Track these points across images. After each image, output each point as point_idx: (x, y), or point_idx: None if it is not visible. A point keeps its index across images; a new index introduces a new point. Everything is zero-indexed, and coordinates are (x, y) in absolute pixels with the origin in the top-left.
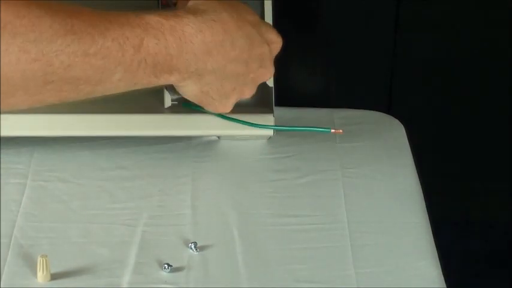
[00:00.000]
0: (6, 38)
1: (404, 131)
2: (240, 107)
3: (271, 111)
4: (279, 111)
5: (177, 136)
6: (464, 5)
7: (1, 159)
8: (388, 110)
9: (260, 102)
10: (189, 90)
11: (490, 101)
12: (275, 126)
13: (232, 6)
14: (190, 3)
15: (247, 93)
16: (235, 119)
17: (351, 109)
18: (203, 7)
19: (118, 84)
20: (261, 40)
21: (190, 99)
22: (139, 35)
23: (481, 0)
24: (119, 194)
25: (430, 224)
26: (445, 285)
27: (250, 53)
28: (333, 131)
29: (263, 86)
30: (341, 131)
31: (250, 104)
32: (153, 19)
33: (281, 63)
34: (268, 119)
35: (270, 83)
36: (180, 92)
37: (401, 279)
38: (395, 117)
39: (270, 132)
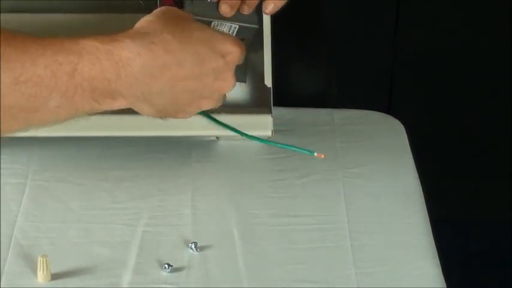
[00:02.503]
0: None
1: (404, 131)
2: (238, 108)
3: (269, 111)
4: (279, 111)
5: (176, 136)
6: (464, 6)
7: (1, 160)
8: (388, 110)
9: (259, 102)
10: (145, 111)
11: (490, 101)
12: (264, 140)
13: (177, 26)
14: (135, 26)
15: (207, 105)
16: (228, 126)
17: (351, 109)
18: (144, 30)
19: (57, 111)
20: (212, 54)
21: (151, 116)
22: (73, 61)
23: (479, 1)
24: (119, 194)
25: (430, 223)
26: (445, 285)
27: (202, 68)
28: (315, 154)
29: (261, 87)
30: (323, 155)
31: (249, 105)
32: (89, 44)
33: (282, 63)
34: (267, 119)
35: (269, 83)
36: (141, 113)
37: (401, 278)
38: (395, 117)
39: (268, 133)
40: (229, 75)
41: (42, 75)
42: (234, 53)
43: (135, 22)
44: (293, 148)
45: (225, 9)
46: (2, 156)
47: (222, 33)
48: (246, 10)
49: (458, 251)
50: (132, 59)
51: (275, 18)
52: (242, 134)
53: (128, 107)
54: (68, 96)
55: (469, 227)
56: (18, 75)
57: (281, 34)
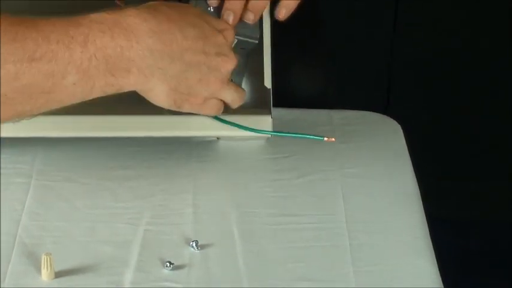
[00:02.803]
0: None
1: (401, 132)
2: (238, 108)
3: (269, 112)
4: (278, 112)
5: (177, 137)
6: (464, 6)
7: (5, 159)
8: (386, 110)
9: (258, 103)
10: (160, 92)
11: (487, 101)
12: (271, 131)
13: (174, 5)
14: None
15: (214, 86)
16: (232, 123)
17: (349, 110)
18: (145, 6)
19: (74, 89)
20: (210, 29)
21: (165, 105)
22: (84, 32)
23: (479, 0)
24: (122, 193)
25: (428, 223)
26: (441, 284)
27: (204, 42)
28: (325, 139)
29: (261, 88)
30: (333, 139)
31: (249, 106)
32: (96, 16)
33: (282, 65)
34: (266, 120)
35: (268, 84)
36: (153, 101)
37: (399, 277)
38: (393, 118)
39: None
40: (230, 51)
41: (55, 50)
42: (229, 30)
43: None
44: (303, 136)
45: (227, 16)
46: (6, 156)
47: (222, 17)
48: (251, 18)
49: (457, 250)
50: (139, 24)
51: (275, 20)
52: (251, 129)
53: (137, 106)
54: (84, 70)
55: (468, 227)
56: (32, 53)
57: (281, 37)
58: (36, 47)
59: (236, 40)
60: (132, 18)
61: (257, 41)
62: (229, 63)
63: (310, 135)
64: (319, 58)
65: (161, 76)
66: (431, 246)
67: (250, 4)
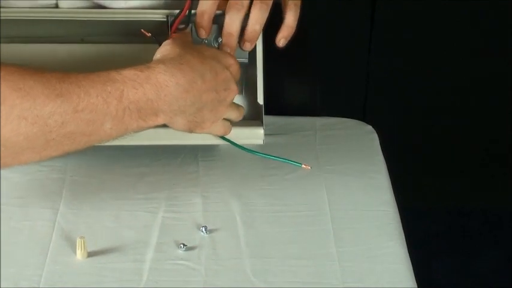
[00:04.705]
0: (6, 109)
1: (376, 135)
2: (235, 122)
3: (261, 125)
4: (270, 119)
5: (184, 145)
6: (435, 21)
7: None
8: (363, 117)
9: (253, 116)
10: (179, 124)
11: (453, 107)
12: (255, 151)
13: (191, 48)
14: (158, 55)
15: (221, 112)
16: (227, 139)
17: (331, 117)
18: (170, 56)
19: (110, 132)
20: (221, 67)
21: (182, 130)
22: (119, 88)
23: (448, 15)
24: (142, 187)
25: (399, 212)
26: (410, 261)
27: (217, 80)
28: (303, 166)
29: (255, 103)
30: (309, 167)
31: (245, 117)
32: (130, 73)
33: (274, 79)
34: (259, 131)
35: (261, 101)
36: (173, 128)
37: (374, 256)
38: (369, 123)
39: (260, 142)
40: (234, 84)
41: (95, 103)
42: (235, 65)
43: (136, 52)
44: (284, 160)
45: (225, 51)
46: None
47: (220, 50)
48: (248, 47)
49: (421, 233)
50: (168, 80)
51: (267, 44)
52: (239, 146)
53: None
54: (119, 118)
55: (428, 214)
56: (75, 105)
57: (272, 55)
58: (78, 100)
59: None
60: (162, 75)
61: (247, 60)
62: (233, 93)
63: (288, 159)
64: (307, 74)
65: (182, 114)
66: (402, 230)
67: (246, 35)
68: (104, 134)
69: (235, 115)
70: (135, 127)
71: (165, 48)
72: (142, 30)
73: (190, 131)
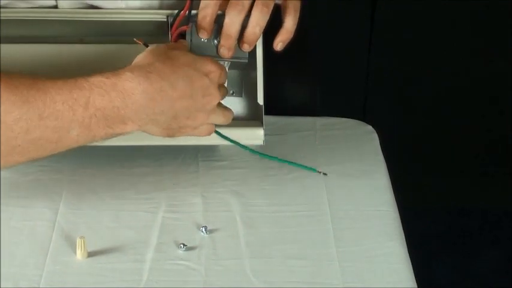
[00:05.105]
0: None
1: (376, 135)
2: (235, 122)
3: (261, 125)
4: (271, 119)
5: (184, 145)
6: (434, 24)
7: (44, 160)
8: (363, 117)
9: (253, 116)
10: (155, 132)
11: (448, 107)
12: (261, 153)
13: (166, 55)
14: (133, 62)
15: (202, 118)
16: (229, 139)
17: (331, 117)
18: (140, 64)
19: (77, 139)
20: (198, 74)
21: (161, 136)
22: (86, 95)
23: (447, 17)
24: (142, 187)
25: (399, 212)
26: (410, 262)
27: (192, 88)
28: (318, 171)
29: (255, 103)
30: (326, 174)
31: (245, 118)
32: (97, 80)
33: (274, 79)
34: (259, 132)
35: (261, 101)
36: (149, 134)
37: (374, 256)
38: (369, 123)
39: (260, 142)
40: (215, 90)
41: (61, 110)
42: (216, 71)
43: (136, 52)
44: (298, 165)
45: (223, 51)
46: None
47: (202, 56)
48: (247, 48)
49: (421, 233)
50: (134, 88)
51: (267, 44)
52: (242, 146)
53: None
54: (86, 125)
55: (428, 214)
56: (41, 112)
57: (272, 55)
58: (44, 107)
59: (229, 63)
60: (128, 83)
61: (247, 60)
62: (215, 99)
63: (304, 166)
64: (308, 75)
65: (153, 123)
66: (402, 230)
67: (246, 37)
68: (70, 141)
69: (220, 120)
70: (103, 134)
71: (139, 57)
72: (134, 39)
73: (170, 137)
